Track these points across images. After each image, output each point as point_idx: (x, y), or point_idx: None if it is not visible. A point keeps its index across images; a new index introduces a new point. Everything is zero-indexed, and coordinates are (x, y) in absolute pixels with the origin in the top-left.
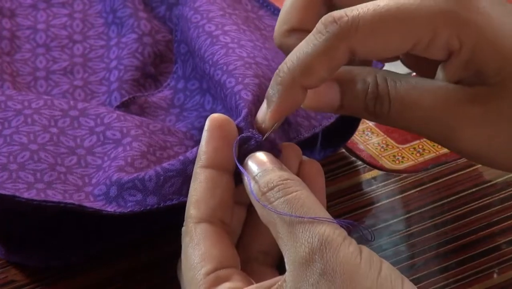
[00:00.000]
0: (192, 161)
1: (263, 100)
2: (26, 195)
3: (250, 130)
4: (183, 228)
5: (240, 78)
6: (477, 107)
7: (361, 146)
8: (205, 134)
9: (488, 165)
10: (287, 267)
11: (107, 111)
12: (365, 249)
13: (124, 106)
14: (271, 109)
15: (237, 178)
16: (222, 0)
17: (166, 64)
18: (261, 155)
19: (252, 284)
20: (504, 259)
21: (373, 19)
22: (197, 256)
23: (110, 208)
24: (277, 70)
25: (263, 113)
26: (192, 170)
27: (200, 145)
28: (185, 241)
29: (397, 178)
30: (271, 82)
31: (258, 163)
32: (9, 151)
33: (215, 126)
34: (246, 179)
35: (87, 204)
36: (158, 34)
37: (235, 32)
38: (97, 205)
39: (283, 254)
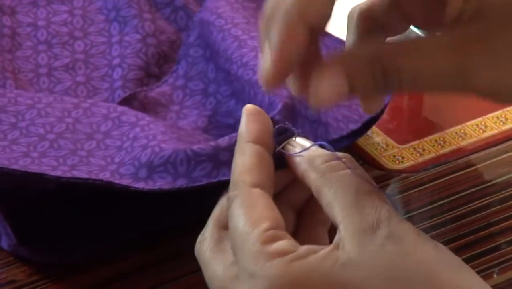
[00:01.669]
0: (225, 149)
1: (296, 98)
2: (53, 173)
3: (287, 122)
4: (233, 193)
5: None
6: (486, 41)
7: (361, 146)
8: (245, 117)
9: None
10: (344, 231)
11: (116, 105)
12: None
13: (126, 102)
14: (274, 47)
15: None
16: (244, 10)
17: (170, 64)
18: (306, 140)
19: None
20: (504, 259)
21: None
22: (255, 214)
23: (139, 185)
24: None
25: (265, 57)
26: (224, 157)
27: (241, 126)
28: (236, 202)
29: (397, 178)
30: (265, 23)
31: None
32: (27, 142)
33: (254, 111)
34: (297, 150)
35: (115, 180)
36: (162, 35)
37: None
38: (125, 182)
39: (338, 220)
